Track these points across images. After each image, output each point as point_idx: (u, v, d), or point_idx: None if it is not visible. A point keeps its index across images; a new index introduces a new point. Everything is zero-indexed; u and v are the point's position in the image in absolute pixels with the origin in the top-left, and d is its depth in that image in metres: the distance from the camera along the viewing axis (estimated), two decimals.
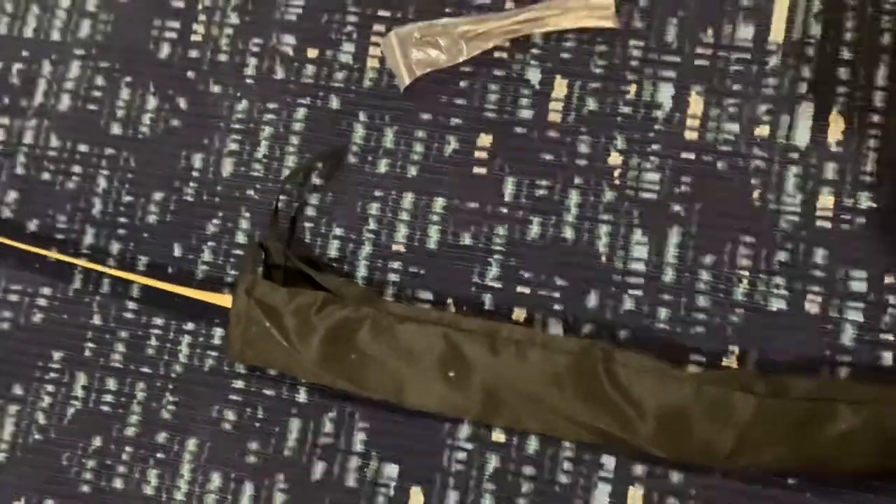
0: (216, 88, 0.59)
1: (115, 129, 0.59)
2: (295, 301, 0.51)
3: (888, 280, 0.51)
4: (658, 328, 0.52)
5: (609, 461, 0.51)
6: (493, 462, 0.52)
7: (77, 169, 0.59)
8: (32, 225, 0.59)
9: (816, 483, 0.49)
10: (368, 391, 0.51)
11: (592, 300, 0.53)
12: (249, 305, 0.51)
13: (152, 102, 0.59)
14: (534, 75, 0.56)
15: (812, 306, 0.51)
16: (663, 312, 0.52)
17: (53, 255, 0.57)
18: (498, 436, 0.52)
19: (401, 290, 0.54)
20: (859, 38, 0.53)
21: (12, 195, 0.60)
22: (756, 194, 0.53)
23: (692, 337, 0.52)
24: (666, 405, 0.48)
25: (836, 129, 0.53)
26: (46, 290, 0.58)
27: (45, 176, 0.60)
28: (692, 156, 0.54)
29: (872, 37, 0.53)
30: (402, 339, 0.50)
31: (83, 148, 0.59)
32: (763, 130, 0.53)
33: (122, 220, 0.58)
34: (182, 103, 0.59)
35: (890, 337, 0.50)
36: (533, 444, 0.52)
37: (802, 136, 0.53)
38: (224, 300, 0.53)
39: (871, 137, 0.52)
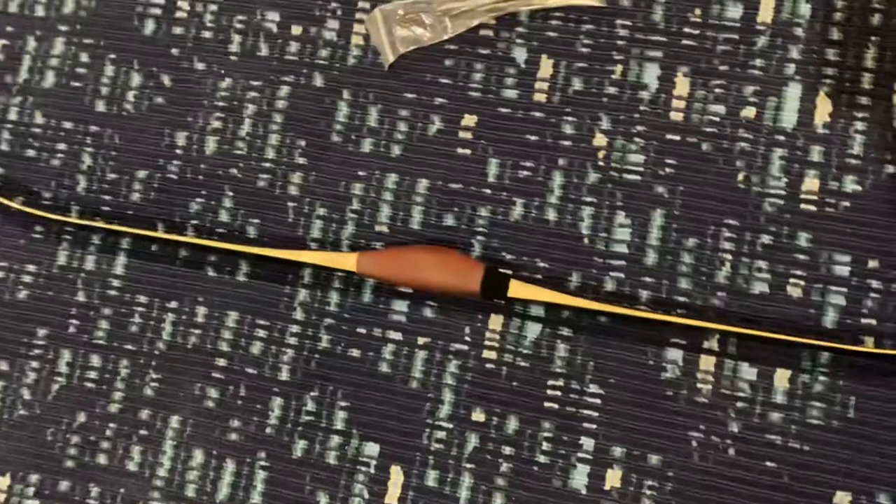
0: (200, 66, 0.58)
1: (100, 107, 0.59)
2: None
3: (872, 264, 0.51)
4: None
5: (588, 442, 0.51)
6: (472, 441, 0.52)
7: (62, 146, 0.59)
8: (17, 202, 0.59)
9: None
10: None
11: (574, 282, 0.53)
12: None
13: (136, 80, 0.59)
14: (519, 54, 0.55)
15: (795, 290, 0.51)
16: (644, 295, 0.52)
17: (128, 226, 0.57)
18: (478, 415, 0.53)
19: None
20: (849, 18, 0.53)
21: None
22: (741, 176, 0.52)
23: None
24: None
25: (823, 111, 0.52)
26: (31, 267, 0.58)
27: (30, 153, 0.60)
28: (677, 137, 0.53)
29: (862, 18, 0.53)
30: None
31: (68, 125, 0.59)
32: (749, 112, 0.53)
33: (107, 197, 0.58)
34: (166, 80, 0.59)
35: (872, 322, 0.50)
36: (512, 424, 0.52)
37: (789, 118, 0.52)
38: (349, 261, 0.52)
39: (858, 120, 0.52)
